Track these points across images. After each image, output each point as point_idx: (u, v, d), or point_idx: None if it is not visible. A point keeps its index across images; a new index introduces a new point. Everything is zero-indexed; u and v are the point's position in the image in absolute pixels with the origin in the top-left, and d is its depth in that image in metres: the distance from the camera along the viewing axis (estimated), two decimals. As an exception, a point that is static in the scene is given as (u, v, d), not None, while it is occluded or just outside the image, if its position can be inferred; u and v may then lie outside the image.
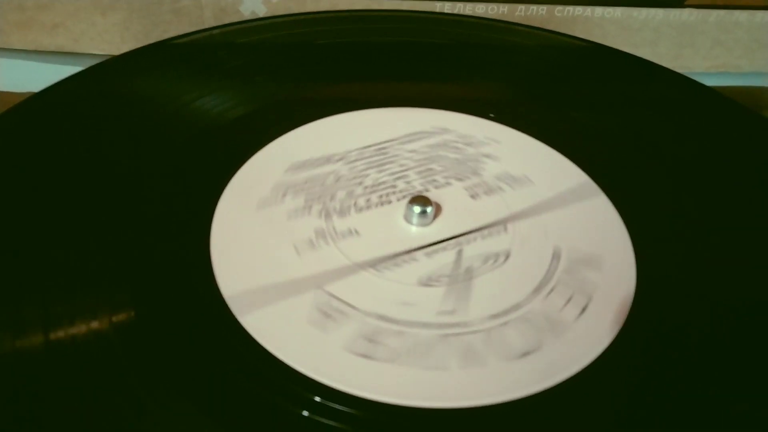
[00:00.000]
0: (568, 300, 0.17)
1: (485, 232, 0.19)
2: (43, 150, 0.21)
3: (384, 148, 0.22)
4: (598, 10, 0.42)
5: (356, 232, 0.19)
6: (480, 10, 0.40)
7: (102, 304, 0.16)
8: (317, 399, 0.15)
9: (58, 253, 0.18)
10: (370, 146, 0.22)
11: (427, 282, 0.17)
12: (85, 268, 0.17)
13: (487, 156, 0.22)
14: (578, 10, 0.42)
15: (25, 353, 0.15)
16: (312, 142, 0.22)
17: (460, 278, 0.18)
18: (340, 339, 0.16)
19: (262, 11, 0.38)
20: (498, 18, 0.39)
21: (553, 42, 0.31)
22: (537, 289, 0.17)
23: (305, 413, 0.14)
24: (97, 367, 0.15)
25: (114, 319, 0.16)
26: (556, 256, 0.18)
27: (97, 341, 0.16)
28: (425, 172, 0.21)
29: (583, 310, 0.17)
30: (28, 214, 0.19)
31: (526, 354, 0.16)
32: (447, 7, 0.39)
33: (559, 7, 0.42)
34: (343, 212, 0.20)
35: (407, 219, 0.19)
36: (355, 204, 0.20)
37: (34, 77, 0.39)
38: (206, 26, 0.32)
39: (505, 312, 0.17)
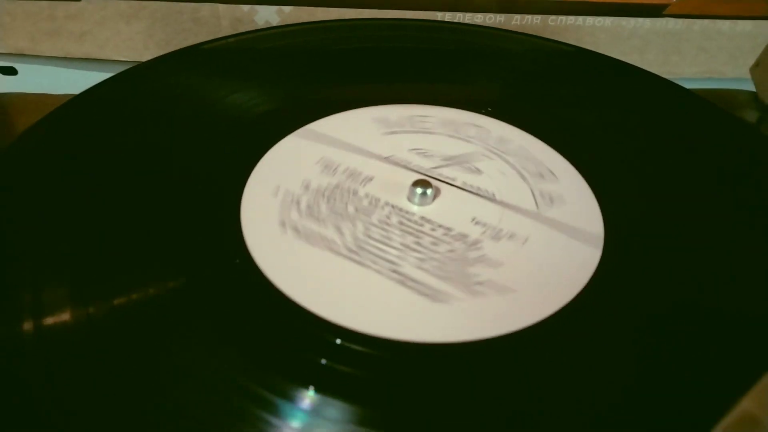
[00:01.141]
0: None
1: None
2: (96, 140, 0.24)
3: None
4: (589, 20, 0.45)
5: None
6: (478, 19, 0.43)
7: (156, 273, 0.19)
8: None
9: (115, 232, 0.20)
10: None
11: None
12: (139, 241, 0.20)
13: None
14: (570, 19, 0.45)
15: (116, 310, 0.18)
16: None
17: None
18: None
19: (275, 21, 0.40)
20: (495, 27, 0.42)
21: (529, 45, 0.33)
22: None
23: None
24: (156, 326, 0.18)
25: (169, 285, 0.19)
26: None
27: (156, 302, 0.18)
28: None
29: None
30: (86, 197, 0.22)
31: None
32: (448, 17, 0.41)
33: (552, 17, 0.45)
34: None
35: (410, 199, 0.22)
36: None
37: (63, 82, 0.42)
38: (223, 35, 0.35)
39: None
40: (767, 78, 0.30)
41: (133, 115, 0.26)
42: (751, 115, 0.31)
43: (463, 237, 0.21)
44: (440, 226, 0.21)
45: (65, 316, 0.18)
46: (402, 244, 0.20)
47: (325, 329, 0.18)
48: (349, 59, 0.30)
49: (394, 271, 0.19)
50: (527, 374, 0.17)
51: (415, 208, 0.22)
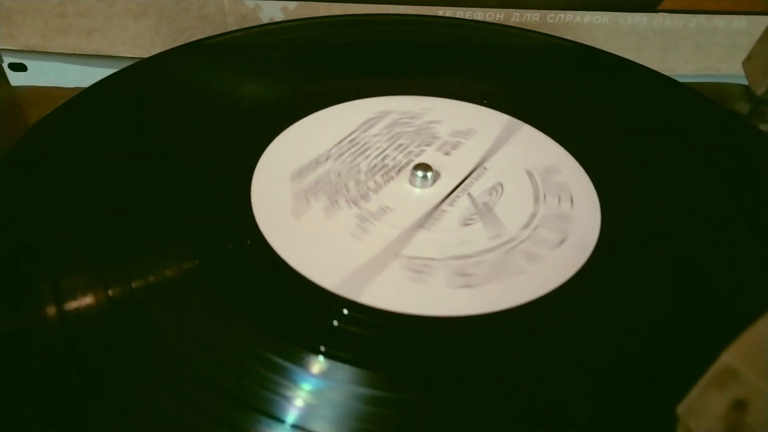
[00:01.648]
0: (559, 199, 0.22)
1: (474, 175, 0.23)
2: (106, 130, 0.25)
3: (353, 140, 0.25)
4: (587, 17, 0.46)
5: (387, 207, 0.23)
6: (478, 15, 0.44)
7: (172, 256, 0.20)
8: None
9: (130, 218, 0.21)
10: (341, 141, 0.25)
11: (465, 222, 0.21)
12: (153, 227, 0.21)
13: (433, 122, 0.26)
14: (569, 16, 0.46)
15: (135, 292, 0.19)
16: (293, 149, 0.26)
17: (485, 211, 0.22)
18: (439, 283, 0.20)
19: (279, 17, 0.41)
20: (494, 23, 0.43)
21: (525, 39, 0.34)
22: (536, 200, 0.22)
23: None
24: (172, 303, 0.19)
25: (183, 266, 0.20)
26: (529, 174, 0.23)
27: (172, 283, 0.19)
28: (398, 147, 0.25)
29: (572, 201, 0.22)
30: (100, 185, 0.23)
31: (562, 242, 0.20)
32: (449, 13, 0.42)
33: (551, 14, 0.46)
34: (365, 197, 0.23)
35: (413, 184, 0.23)
36: (368, 188, 0.23)
37: (72, 78, 0.43)
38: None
39: (530, 221, 0.21)
40: (758, 70, 0.31)
41: (142, 106, 0.27)
42: (743, 107, 0.32)
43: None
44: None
45: (88, 300, 0.19)
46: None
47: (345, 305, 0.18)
48: (351, 53, 0.31)
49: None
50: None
51: (417, 191, 0.23)
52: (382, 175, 0.23)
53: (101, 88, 0.27)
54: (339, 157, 0.24)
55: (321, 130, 0.25)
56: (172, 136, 0.25)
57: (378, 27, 0.34)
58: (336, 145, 0.25)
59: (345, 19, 0.35)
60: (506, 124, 0.26)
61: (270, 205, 0.22)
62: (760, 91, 0.30)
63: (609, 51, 0.43)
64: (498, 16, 0.45)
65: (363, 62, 0.31)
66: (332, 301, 0.19)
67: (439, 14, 0.41)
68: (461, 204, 0.22)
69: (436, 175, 0.23)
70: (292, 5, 0.41)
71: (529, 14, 0.46)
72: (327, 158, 0.24)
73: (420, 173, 0.23)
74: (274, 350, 0.17)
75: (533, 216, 0.22)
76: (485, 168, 0.24)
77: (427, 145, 0.25)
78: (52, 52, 0.43)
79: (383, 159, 0.24)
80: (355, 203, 0.22)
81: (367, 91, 0.28)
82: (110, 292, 0.19)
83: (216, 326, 0.18)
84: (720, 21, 0.47)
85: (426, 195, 0.23)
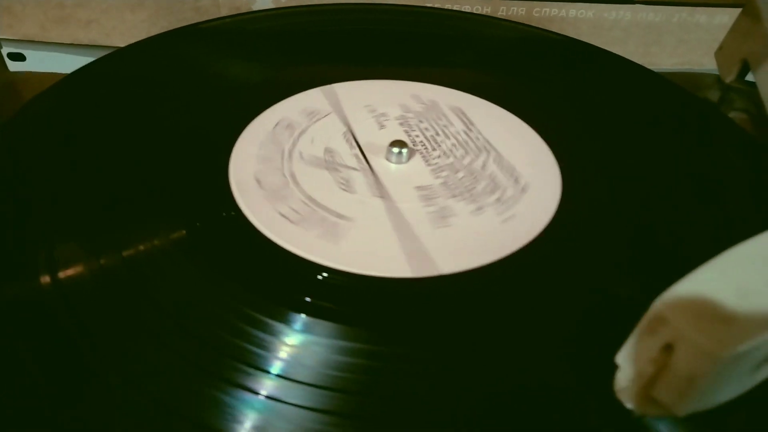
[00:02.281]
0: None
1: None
2: (95, 109, 0.27)
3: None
4: (572, 11, 0.47)
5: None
6: (466, 8, 0.45)
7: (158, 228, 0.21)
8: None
9: (119, 191, 0.23)
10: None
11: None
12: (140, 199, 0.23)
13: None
14: (554, 11, 0.47)
15: (126, 260, 0.20)
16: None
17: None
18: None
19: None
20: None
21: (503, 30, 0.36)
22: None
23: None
24: (161, 271, 0.20)
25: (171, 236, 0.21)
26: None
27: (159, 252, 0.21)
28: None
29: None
30: (90, 159, 0.24)
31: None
32: (437, 4, 0.43)
33: (537, 8, 0.47)
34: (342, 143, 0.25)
35: (389, 160, 0.24)
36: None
37: (71, 67, 0.44)
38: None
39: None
40: (728, 60, 0.32)
41: (131, 87, 0.28)
42: (714, 95, 0.33)
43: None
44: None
45: (80, 268, 0.20)
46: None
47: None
48: (333, 41, 0.33)
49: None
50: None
51: (392, 167, 0.24)
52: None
53: (90, 70, 0.29)
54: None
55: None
56: (160, 115, 0.26)
57: (355, 16, 0.35)
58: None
59: (327, 8, 0.36)
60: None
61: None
62: (728, 79, 0.31)
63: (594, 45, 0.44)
64: (485, 9, 0.46)
65: (334, 50, 0.32)
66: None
67: (428, 5, 0.43)
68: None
69: (411, 153, 0.24)
70: (284, -2, 0.42)
71: (515, 8, 0.47)
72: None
73: (395, 150, 0.24)
74: (256, 308, 0.19)
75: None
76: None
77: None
78: (50, 42, 0.44)
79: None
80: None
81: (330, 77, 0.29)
82: (102, 261, 0.20)
83: (202, 288, 0.19)
84: (702, 16, 0.48)
85: (404, 170, 0.24)
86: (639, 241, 0.22)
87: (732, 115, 0.32)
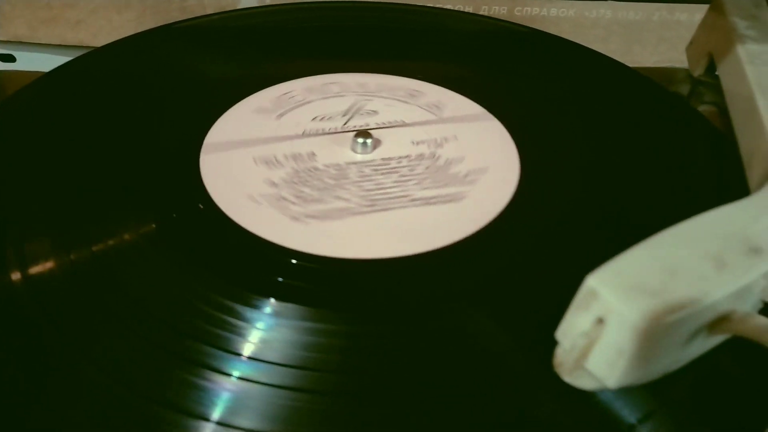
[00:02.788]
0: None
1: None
2: (71, 107, 0.27)
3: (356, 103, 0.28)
4: (553, 10, 0.47)
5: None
6: (448, 6, 0.46)
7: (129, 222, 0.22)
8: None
9: (92, 187, 0.23)
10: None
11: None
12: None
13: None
14: (535, 10, 0.48)
15: (96, 255, 0.21)
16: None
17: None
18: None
19: (256, 9, 0.43)
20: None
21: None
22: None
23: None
24: (134, 259, 0.21)
25: (140, 231, 0.22)
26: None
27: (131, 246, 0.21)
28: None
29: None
30: (65, 156, 0.25)
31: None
32: (420, 2, 0.44)
33: (518, 7, 0.48)
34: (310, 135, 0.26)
35: (354, 150, 0.25)
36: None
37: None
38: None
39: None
40: (696, 54, 0.32)
41: (105, 85, 0.29)
42: (685, 89, 0.34)
43: (420, 156, 0.25)
44: (399, 157, 0.25)
45: (50, 264, 0.20)
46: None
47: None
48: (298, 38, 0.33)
49: (414, 200, 0.23)
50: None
51: (359, 157, 0.25)
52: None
53: (68, 68, 0.29)
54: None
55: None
56: (131, 113, 0.27)
57: (334, 13, 0.36)
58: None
59: (305, 5, 0.37)
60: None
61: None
62: (696, 73, 0.32)
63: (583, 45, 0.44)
64: (467, 7, 0.47)
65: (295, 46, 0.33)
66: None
67: (401, 2, 0.43)
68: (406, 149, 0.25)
69: (376, 142, 0.25)
70: (269, -3, 0.43)
71: (497, 6, 0.47)
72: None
73: (360, 140, 0.25)
74: (226, 295, 0.19)
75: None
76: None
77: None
78: (39, 43, 0.44)
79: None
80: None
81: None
82: (72, 256, 0.21)
83: (174, 278, 0.20)
84: (682, 14, 0.48)
85: (369, 158, 0.25)
86: (597, 222, 0.22)
87: (702, 108, 0.32)
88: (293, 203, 0.23)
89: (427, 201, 0.23)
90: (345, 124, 0.26)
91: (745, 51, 0.26)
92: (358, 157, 0.25)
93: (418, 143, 0.25)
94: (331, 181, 0.24)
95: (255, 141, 0.25)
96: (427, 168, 0.24)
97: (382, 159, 0.25)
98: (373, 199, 0.23)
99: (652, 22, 0.48)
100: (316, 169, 0.24)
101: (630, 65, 0.34)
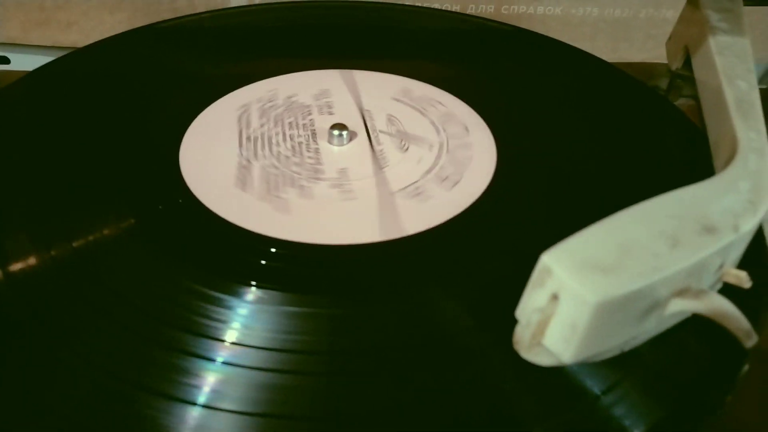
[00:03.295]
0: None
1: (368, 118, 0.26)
2: (58, 104, 0.28)
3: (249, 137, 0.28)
4: (540, 8, 0.48)
5: (343, 168, 0.25)
6: (436, 5, 0.46)
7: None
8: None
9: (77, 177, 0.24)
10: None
11: (402, 148, 0.24)
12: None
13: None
14: (522, 8, 0.48)
15: (91, 244, 0.21)
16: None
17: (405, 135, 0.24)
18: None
19: (246, 10, 0.44)
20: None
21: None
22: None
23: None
24: (115, 251, 0.21)
25: (120, 226, 0.22)
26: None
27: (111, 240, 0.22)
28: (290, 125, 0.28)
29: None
30: (54, 149, 0.25)
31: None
32: (408, 1, 0.44)
33: (506, 5, 0.48)
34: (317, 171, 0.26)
35: (331, 143, 0.26)
36: (311, 163, 0.26)
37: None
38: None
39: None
40: (675, 48, 0.33)
41: (88, 84, 0.29)
42: (665, 83, 0.34)
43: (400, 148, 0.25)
44: (377, 150, 0.25)
45: (31, 260, 0.21)
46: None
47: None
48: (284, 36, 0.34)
49: (391, 192, 0.23)
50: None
51: (335, 149, 0.25)
52: (307, 149, 0.26)
53: (51, 68, 0.30)
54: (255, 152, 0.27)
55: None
56: (112, 110, 0.28)
57: (317, 12, 0.36)
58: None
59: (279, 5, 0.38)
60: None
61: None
62: (674, 67, 0.32)
63: (563, 41, 0.45)
64: (455, 6, 0.47)
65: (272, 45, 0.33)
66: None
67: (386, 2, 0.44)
68: (384, 140, 0.25)
69: (351, 134, 0.26)
70: (258, -3, 0.44)
71: (484, 5, 0.48)
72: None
73: (336, 132, 0.25)
74: (208, 285, 0.20)
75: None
76: (368, 110, 0.27)
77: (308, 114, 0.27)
78: (32, 45, 0.45)
79: (291, 138, 0.26)
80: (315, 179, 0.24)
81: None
82: (53, 252, 0.21)
83: (154, 268, 0.21)
84: (669, 11, 0.49)
85: (349, 150, 0.25)
86: (568, 212, 0.23)
87: (680, 101, 0.33)
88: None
89: (405, 191, 0.23)
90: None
91: (715, 42, 0.26)
92: (335, 149, 0.25)
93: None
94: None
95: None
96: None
97: (361, 151, 0.25)
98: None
99: (638, 20, 0.49)
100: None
101: (618, 62, 0.34)
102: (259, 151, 0.25)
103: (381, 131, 0.26)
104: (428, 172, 0.24)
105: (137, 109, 0.28)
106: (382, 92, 0.29)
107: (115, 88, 0.29)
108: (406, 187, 0.23)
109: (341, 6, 0.37)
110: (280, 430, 0.17)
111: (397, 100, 0.28)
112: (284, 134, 0.26)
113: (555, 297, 0.15)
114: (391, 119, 0.27)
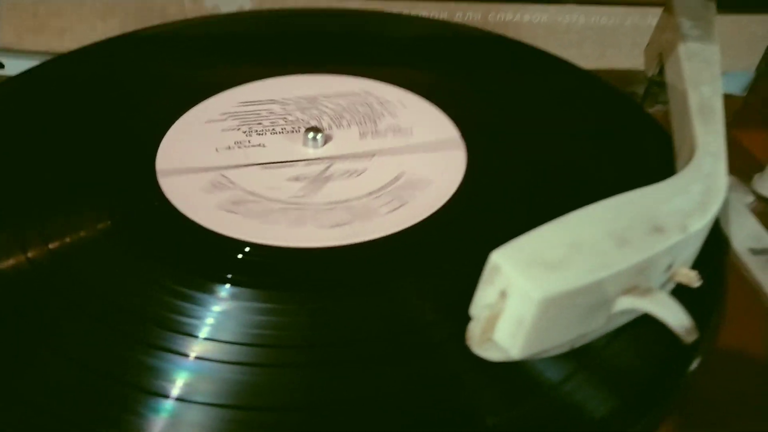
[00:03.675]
0: (388, 203, 0.24)
1: (355, 157, 0.26)
2: (43, 108, 0.29)
3: (315, 99, 0.29)
4: (526, 16, 0.48)
5: (263, 145, 0.26)
6: (423, 13, 0.47)
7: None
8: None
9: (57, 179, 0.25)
10: (303, 97, 0.29)
11: (295, 179, 0.24)
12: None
13: (389, 112, 0.29)
14: (509, 15, 0.49)
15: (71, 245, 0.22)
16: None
17: (319, 180, 0.24)
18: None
19: (236, 17, 0.44)
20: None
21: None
22: (370, 194, 0.24)
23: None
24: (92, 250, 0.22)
25: (99, 226, 0.23)
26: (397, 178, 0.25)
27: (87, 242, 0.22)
28: (336, 117, 0.28)
29: (394, 209, 0.24)
30: (34, 153, 0.26)
31: (336, 226, 0.22)
32: (396, 9, 0.45)
33: (492, 13, 0.49)
34: (261, 133, 0.27)
35: (305, 145, 0.26)
36: (272, 129, 0.27)
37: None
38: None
39: (338, 202, 0.23)
40: (652, 56, 0.33)
41: (69, 89, 0.30)
42: (642, 89, 0.35)
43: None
44: (345, 154, 0.26)
45: (9, 261, 0.21)
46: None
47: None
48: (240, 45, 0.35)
49: (358, 197, 0.24)
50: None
51: (310, 152, 0.26)
52: (293, 127, 0.26)
53: (35, 73, 0.31)
54: (286, 104, 0.27)
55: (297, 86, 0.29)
56: (92, 115, 0.28)
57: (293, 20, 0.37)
58: (297, 97, 0.28)
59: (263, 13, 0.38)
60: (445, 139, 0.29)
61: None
62: (650, 73, 0.33)
63: (550, 49, 0.45)
64: (442, 14, 0.48)
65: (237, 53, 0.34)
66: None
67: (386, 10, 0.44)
68: (314, 168, 0.26)
69: (327, 137, 0.26)
70: (248, 5, 0.45)
71: (471, 12, 0.48)
72: (276, 102, 0.28)
73: (311, 135, 0.26)
74: (182, 283, 0.20)
75: (347, 200, 0.24)
76: (371, 157, 0.27)
77: (358, 124, 0.28)
78: (27, 50, 0.46)
79: (311, 118, 0.27)
80: (248, 133, 0.25)
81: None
82: (30, 254, 0.22)
83: (132, 271, 0.21)
84: (654, 18, 0.49)
85: (304, 152, 0.26)
86: (532, 215, 0.23)
87: (656, 108, 0.33)
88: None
89: (370, 195, 0.24)
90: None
91: (685, 48, 0.27)
92: (310, 152, 0.26)
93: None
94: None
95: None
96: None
97: (330, 157, 0.26)
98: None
99: (624, 27, 0.49)
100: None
101: (604, 68, 0.35)
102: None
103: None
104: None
105: (116, 114, 0.28)
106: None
107: (95, 94, 0.30)
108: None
109: (328, 14, 0.38)
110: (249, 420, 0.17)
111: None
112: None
113: (504, 294, 0.16)
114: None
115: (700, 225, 0.17)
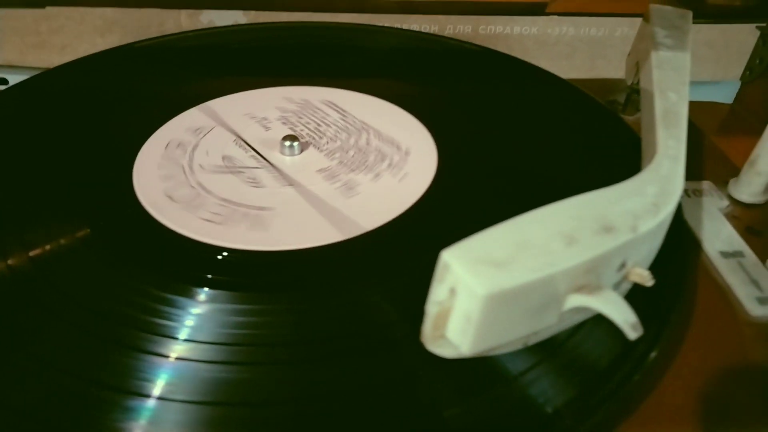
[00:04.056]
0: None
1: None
2: (37, 118, 0.30)
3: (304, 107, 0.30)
4: (517, 29, 0.49)
5: (244, 150, 0.27)
6: (414, 27, 0.48)
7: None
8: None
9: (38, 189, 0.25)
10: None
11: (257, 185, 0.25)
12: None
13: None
14: (499, 28, 0.49)
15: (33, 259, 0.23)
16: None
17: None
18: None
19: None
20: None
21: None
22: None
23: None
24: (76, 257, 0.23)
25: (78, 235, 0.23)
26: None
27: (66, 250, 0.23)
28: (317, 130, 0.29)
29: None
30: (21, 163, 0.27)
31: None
32: (387, 23, 0.46)
33: (483, 26, 0.49)
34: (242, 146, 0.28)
35: (283, 153, 0.27)
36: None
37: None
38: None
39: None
40: (631, 64, 0.34)
41: (57, 101, 0.31)
42: (623, 98, 0.35)
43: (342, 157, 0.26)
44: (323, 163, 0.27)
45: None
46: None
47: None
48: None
49: (326, 204, 0.24)
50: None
51: (287, 160, 0.27)
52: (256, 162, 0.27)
53: (24, 85, 0.32)
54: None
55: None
56: (76, 126, 0.29)
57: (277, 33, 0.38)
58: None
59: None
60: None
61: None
62: (630, 82, 0.33)
63: (541, 60, 0.46)
64: (433, 27, 0.49)
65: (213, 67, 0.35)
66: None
67: (372, 22, 0.45)
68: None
69: (302, 145, 0.27)
70: (243, 20, 0.46)
71: (462, 25, 0.49)
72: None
73: (288, 143, 0.26)
74: (161, 288, 0.21)
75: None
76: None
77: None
78: (29, 66, 0.47)
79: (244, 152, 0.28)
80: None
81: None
82: (10, 261, 0.22)
83: (110, 276, 0.22)
84: (643, 30, 0.50)
85: (301, 159, 0.27)
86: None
87: (637, 115, 0.34)
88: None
89: (335, 202, 0.24)
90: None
91: (657, 56, 0.27)
92: (287, 159, 0.27)
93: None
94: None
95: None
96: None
97: (305, 161, 0.27)
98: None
99: (614, 38, 0.50)
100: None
101: (594, 78, 0.35)
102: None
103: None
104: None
105: (98, 124, 0.29)
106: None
107: (77, 105, 0.31)
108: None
109: (318, 27, 0.39)
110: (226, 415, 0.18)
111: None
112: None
113: (453, 291, 0.16)
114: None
115: (650, 225, 0.18)
